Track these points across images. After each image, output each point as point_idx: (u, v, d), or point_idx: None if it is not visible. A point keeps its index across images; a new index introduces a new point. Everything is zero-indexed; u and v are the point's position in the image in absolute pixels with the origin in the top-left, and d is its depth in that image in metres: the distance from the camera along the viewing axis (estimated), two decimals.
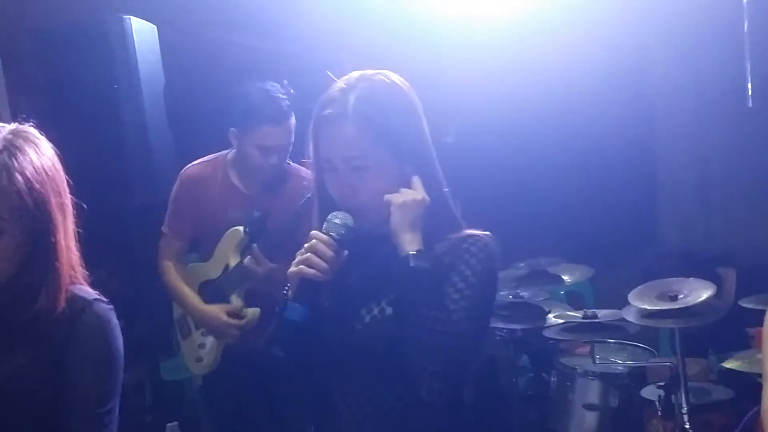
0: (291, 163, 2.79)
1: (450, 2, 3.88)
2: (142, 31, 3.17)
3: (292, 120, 2.69)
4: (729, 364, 2.73)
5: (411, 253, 1.53)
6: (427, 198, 1.59)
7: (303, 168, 2.72)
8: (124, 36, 3.12)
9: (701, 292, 2.77)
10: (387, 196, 1.58)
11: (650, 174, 4.35)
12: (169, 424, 3.08)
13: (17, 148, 1.51)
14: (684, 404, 2.74)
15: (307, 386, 1.67)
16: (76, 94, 3.18)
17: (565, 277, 3.47)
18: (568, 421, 3.12)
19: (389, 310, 1.57)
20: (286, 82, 2.72)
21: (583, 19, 3.85)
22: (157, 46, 3.25)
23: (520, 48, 3.90)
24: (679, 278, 2.91)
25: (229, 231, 2.77)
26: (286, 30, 3.62)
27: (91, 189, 3.23)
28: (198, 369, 2.91)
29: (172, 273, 2.90)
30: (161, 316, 3.48)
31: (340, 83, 1.61)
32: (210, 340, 2.84)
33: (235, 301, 2.76)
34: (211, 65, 3.54)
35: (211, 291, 2.85)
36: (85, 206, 1.66)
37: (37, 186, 1.52)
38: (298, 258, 1.57)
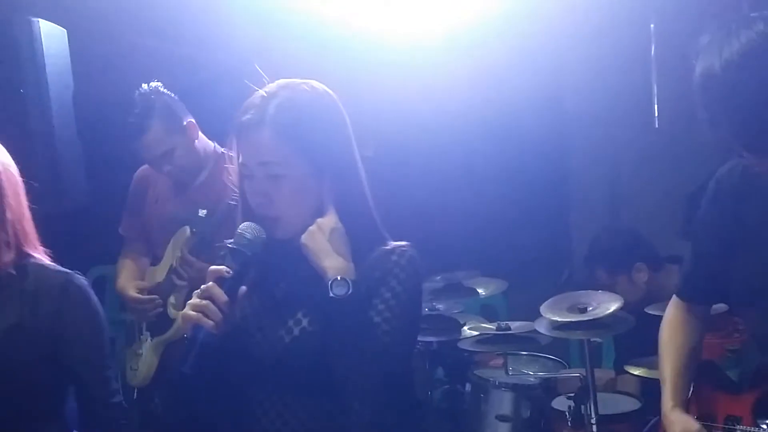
0: (222, 150, 2.77)
1: (371, 18, 3.89)
2: (51, 35, 3.07)
3: (157, 128, 2.65)
4: (635, 371, 2.79)
5: (331, 281, 1.50)
6: (339, 224, 1.56)
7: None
8: (32, 39, 3.01)
9: (609, 305, 2.83)
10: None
11: (563, 191, 4.47)
12: None
13: None
14: (593, 414, 2.79)
15: (228, 403, 1.62)
16: None
17: (480, 290, 3.51)
18: None
19: (309, 326, 1.55)
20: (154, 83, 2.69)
21: (501, 39, 3.93)
22: (66, 51, 3.15)
23: (439, 66, 3.94)
24: (588, 291, 2.98)
25: (177, 231, 2.71)
26: (201, 36, 3.58)
27: None
28: (132, 379, 2.85)
29: (120, 264, 2.87)
30: None
31: (262, 91, 1.59)
32: (146, 349, 2.77)
33: (171, 302, 2.71)
34: (122, 71, 3.46)
35: (156, 294, 2.79)
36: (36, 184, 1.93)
37: None
38: (195, 302, 1.51)
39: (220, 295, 1.50)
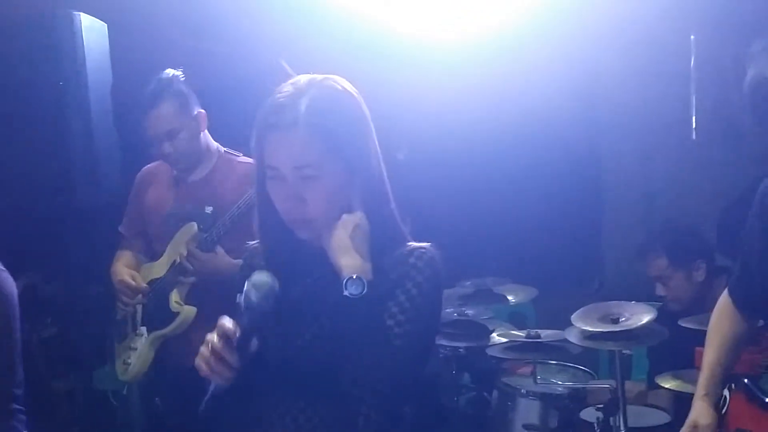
0: (225, 150, 2.81)
1: (407, 20, 3.89)
2: (92, 29, 3.10)
3: (168, 105, 2.67)
4: (666, 384, 2.75)
5: (346, 279, 1.47)
6: (365, 221, 1.53)
7: (238, 155, 2.79)
8: (73, 33, 3.04)
9: (642, 316, 2.80)
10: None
11: (596, 200, 4.42)
12: None
13: None
14: (622, 427, 2.76)
15: (242, 409, 1.59)
16: (19, 90, 3.09)
17: (509, 297, 3.49)
18: None
19: (322, 330, 1.52)
20: (181, 69, 2.72)
21: (535, 47, 3.90)
22: (106, 45, 3.18)
23: (474, 70, 3.93)
24: (621, 302, 2.94)
25: (183, 227, 2.72)
26: (237, 35, 3.59)
27: (31, 189, 3.16)
28: (124, 374, 2.83)
29: (118, 254, 2.88)
30: (96, 323, 3.39)
31: (288, 87, 1.55)
32: (142, 344, 2.76)
33: (174, 297, 2.71)
34: (160, 67, 3.48)
35: (154, 291, 2.79)
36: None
37: None
38: (206, 354, 1.47)
39: (230, 356, 1.46)
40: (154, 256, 2.87)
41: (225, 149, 2.84)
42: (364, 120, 1.58)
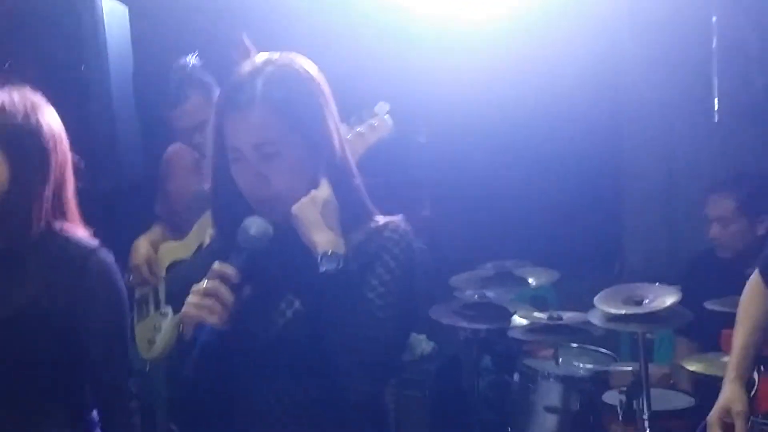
0: None
1: (428, 3, 3.87)
2: (113, 13, 3.10)
3: (196, 99, 2.68)
4: (691, 366, 2.74)
5: (321, 255, 1.48)
6: (332, 197, 1.54)
7: None
8: (94, 16, 3.04)
9: (666, 298, 2.78)
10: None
11: (617, 183, 4.39)
12: None
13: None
14: (645, 410, 2.75)
15: (226, 390, 1.58)
16: (40, 73, 3.09)
17: (530, 280, 3.47)
18: (529, 424, 3.12)
19: (302, 307, 1.53)
20: (196, 53, 2.73)
21: (556, 28, 3.87)
22: (128, 29, 3.18)
23: (494, 52, 3.90)
24: (645, 283, 2.93)
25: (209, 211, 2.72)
26: (261, 23, 3.57)
27: None
28: (147, 352, 2.84)
29: (151, 229, 2.90)
30: None
31: (246, 67, 1.56)
32: (167, 323, 2.77)
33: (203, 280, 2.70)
34: (181, 51, 3.48)
35: (179, 271, 2.79)
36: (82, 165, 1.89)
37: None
38: (196, 299, 1.48)
39: (227, 294, 1.47)
40: (179, 235, 2.87)
41: None
42: (322, 96, 1.58)
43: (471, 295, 3.32)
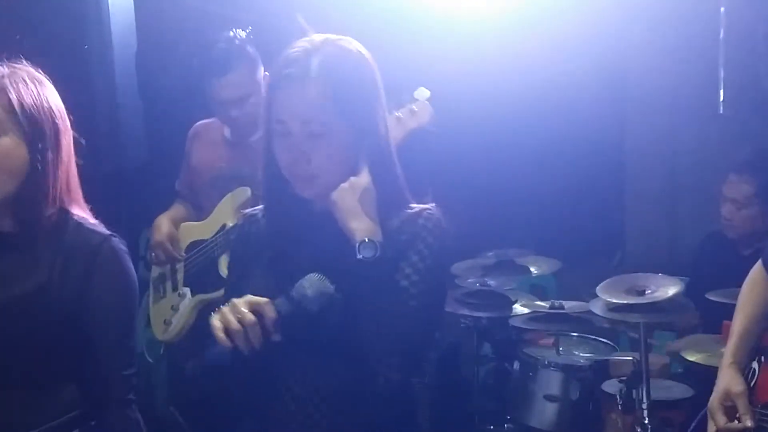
0: None
1: None
2: None
3: (243, 70, 2.58)
4: (692, 357, 2.73)
5: (359, 243, 1.47)
6: (371, 185, 1.52)
7: None
8: None
9: (668, 288, 2.77)
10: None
11: (620, 175, 4.38)
12: None
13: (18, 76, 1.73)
14: (644, 399, 2.74)
15: (256, 374, 1.56)
16: (44, 54, 3.08)
17: (532, 269, 3.46)
18: (528, 412, 3.11)
19: (336, 293, 1.49)
20: (249, 29, 2.63)
21: (562, 19, 3.85)
22: (131, 9, 3.18)
23: (500, 42, 3.88)
24: (647, 274, 2.91)
25: (236, 190, 2.66)
26: (263, 3, 3.55)
27: None
28: (163, 334, 2.80)
29: (172, 207, 2.86)
30: None
31: (303, 43, 1.54)
32: (185, 305, 2.74)
33: (224, 262, 2.62)
34: (184, 33, 3.47)
35: (199, 251, 2.74)
36: (83, 142, 1.82)
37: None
38: (232, 320, 1.41)
39: (272, 315, 1.41)
40: (200, 214, 2.82)
41: None
42: (375, 83, 1.57)
43: (472, 283, 3.32)
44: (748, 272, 2.84)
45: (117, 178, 3.21)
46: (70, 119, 1.77)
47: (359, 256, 1.46)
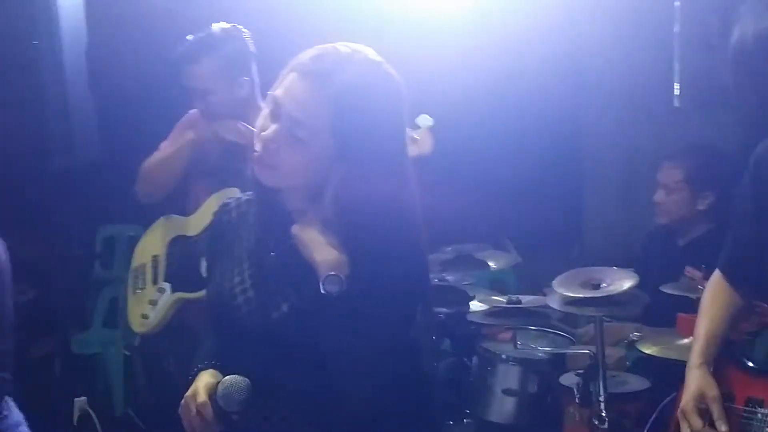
0: None
1: None
2: None
3: (208, 65, 2.54)
4: (647, 349, 2.75)
5: (323, 277, 1.41)
6: (333, 213, 1.46)
7: None
8: None
9: (623, 282, 2.79)
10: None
11: (577, 167, 4.40)
12: (77, 399, 2.95)
13: None
14: (601, 392, 2.76)
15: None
16: None
17: (490, 264, 3.47)
18: (487, 406, 3.12)
19: (299, 302, 1.48)
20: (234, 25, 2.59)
21: (519, 12, 3.85)
22: (81, 3, 3.12)
23: (456, 38, 3.88)
24: (603, 267, 2.93)
25: (224, 190, 2.58)
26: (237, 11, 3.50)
27: (5, 151, 3.11)
28: (140, 326, 2.76)
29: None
30: (75, 287, 3.35)
31: (333, 46, 1.48)
32: (164, 301, 2.68)
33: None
34: (136, 27, 3.41)
35: (183, 248, 2.69)
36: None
37: None
38: (189, 413, 1.52)
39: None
40: (184, 209, 2.77)
41: None
42: (391, 122, 1.50)
43: (431, 278, 3.30)
44: (683, 263, 2.89)
45: (69, 175, 3.15)
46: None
47: (323, 291, 1.41)
